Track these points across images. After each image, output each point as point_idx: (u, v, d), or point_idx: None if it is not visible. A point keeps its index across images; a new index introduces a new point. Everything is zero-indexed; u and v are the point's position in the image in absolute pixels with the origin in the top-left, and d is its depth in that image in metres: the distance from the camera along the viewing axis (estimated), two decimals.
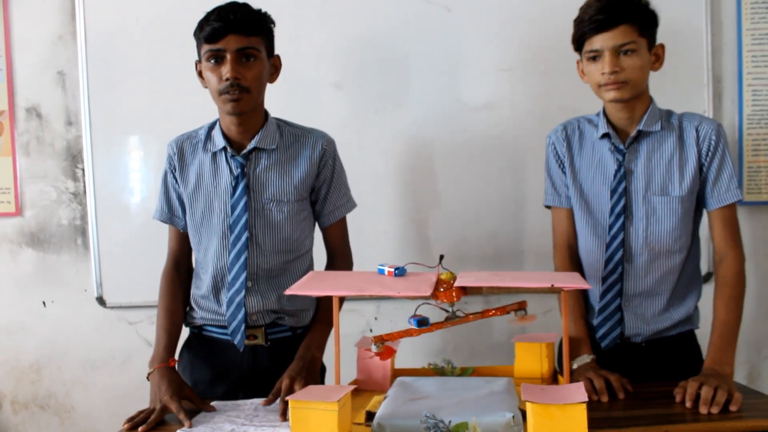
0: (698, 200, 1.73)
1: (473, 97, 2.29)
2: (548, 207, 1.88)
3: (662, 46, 1.70)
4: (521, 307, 1.41)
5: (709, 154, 1.68)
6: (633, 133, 1.71)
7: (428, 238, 2.32)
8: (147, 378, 1.64)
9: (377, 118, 2.29)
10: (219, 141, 1.72)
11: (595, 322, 1.75)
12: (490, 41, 2.28)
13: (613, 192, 1.72)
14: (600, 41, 1.61)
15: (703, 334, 1.69)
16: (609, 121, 1.73)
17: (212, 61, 1.62)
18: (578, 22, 1.67)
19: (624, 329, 1.73)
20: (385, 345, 1.40)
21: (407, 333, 1.41)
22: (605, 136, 1.73)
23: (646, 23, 1.64)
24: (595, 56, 1.64)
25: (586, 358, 1.66)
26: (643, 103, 1.70)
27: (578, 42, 1.68)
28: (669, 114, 1.74)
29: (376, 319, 2.37)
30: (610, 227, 1.72)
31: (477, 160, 2.29)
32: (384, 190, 2.30)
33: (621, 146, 1.72)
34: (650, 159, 1.71)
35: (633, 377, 1.61)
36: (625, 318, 1.73)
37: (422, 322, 1.39)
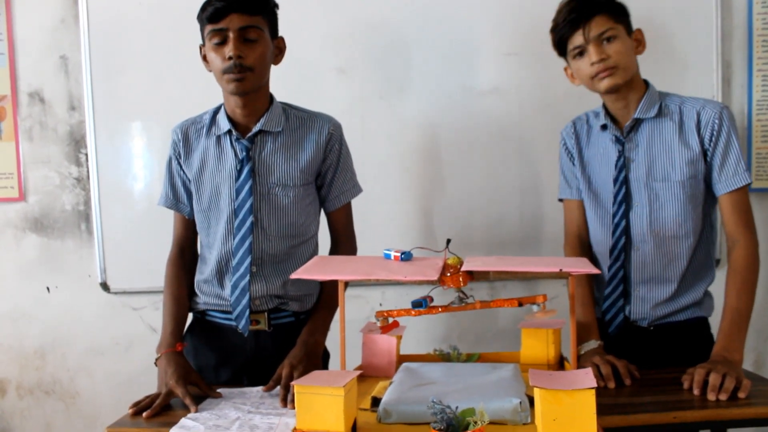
0: (708, 186, 1.72)
1: (479, 83, 2.27)
2: (561, 200, 1.91)
3: (640, 31, 1.73)
4: (536, 301, 1.36)
5: (713, 138, 1.67)
6: (629, 121, 1.72)
7: (433, 224, 2.31)
8: (155, 363, 1.64)
9: (382, 104, 2.28)
10: (224, 124, 1.70)
11: (603, 308, 1.76)
12: (497, 26, 2.25)
13: (615, 181, 1.74)
14: (580, 36, 1.65)
15: (717, 323, 1.67)
16: (608, 113, 1.76)
17: (215, 41, 1.61)
18: (555, 28, 1.72)
19: (630, 314, 1.74)
20: (388, 319, 1.38)
21: (414, 312, 1.38)
22: (604, 127, 1.76)
23: (618, 11, 1.67)
24: (581, 51, 1.68)
25: (593, 344, 1.66)
26: (637, 90, 1.72)
27: (560, 46, 1.72)
28: (668, 98, 1.74)
29: (381, 304, 2.36)
30: (614, 215, 1.74)
31: (482, 145, 2.27)
32: (388, 176, 2.28)
33: (620, 136, 1.74)
34: (650, 146, 1.72)
35: (641, 362, 1.61)
36: (632, 303, 1.74)
37: (417, 304, 1.36)
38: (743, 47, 2.29)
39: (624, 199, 1.73)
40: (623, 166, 1.73)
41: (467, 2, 2.25)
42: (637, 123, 1.72)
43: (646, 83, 1.74)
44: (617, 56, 1.64)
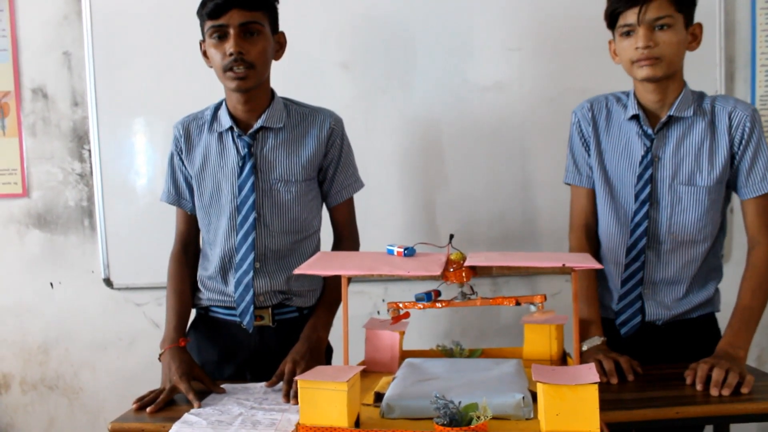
0: (727, 188, 1.69)
1: (481, 77, 2.26)
2: (567, 184, 1.84)
3: (700, 26, 1.63)
4: (533, 300, 1.35)
5: (743, 142, 1.63)
6: (663, 117, 1.65)
7: (435, 220, 2.30)
8: (158, 359, 1.64)
9: (384, 99, 2.27)
10: (225, 121, 1.70)
11: (616, 308, 1.73)
12: (499, 20, 2.24)
13: (639, 178, 1.67)
14: (634, 15, 1.55)
15: (725, 318, 1.67)
16: (639, 103, 1.67)
17: (216, 37, 1.60)
18: None
19: (644, 316, 1.71)
20: (399, 312, 1.38)
21: (421, 306, 1.39)
22: (634, 117, 1.68)
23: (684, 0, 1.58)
24: (629, 31, 1.59)
25: (596, 340, 1.65)
26: (676, 85, 1.64)
27: (611, 17, 1.62)
28: (701, 97, 1.68)
29: (383, 300, 2.36)
30: (635, 214, 1.68)
31: (485, 140, 2.27)
32: (391, 171, 2.28)
33: (650, 131, 1.67)
34: (679, 146, 1.66)
35: (652, 359, 1.60)
36: (645, 305, 1.71)
37: (419, 298, 1.36)
38: (747, 42, 2.28)
39: (647, 199, 1.67)
40: (650, 163, 1.66)
41: None
42: (670, 120, 1.66)
43: (683, 80, 1.67)
44: (665, 47, 1.56)
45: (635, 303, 1.71)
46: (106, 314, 2.40)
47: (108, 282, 2.36)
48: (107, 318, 2.40)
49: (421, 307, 1.36)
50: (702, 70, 2.24)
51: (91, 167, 2.35)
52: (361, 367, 1.25)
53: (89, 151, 2.35)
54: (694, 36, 1.63)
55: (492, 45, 2.25)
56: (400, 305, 1.38)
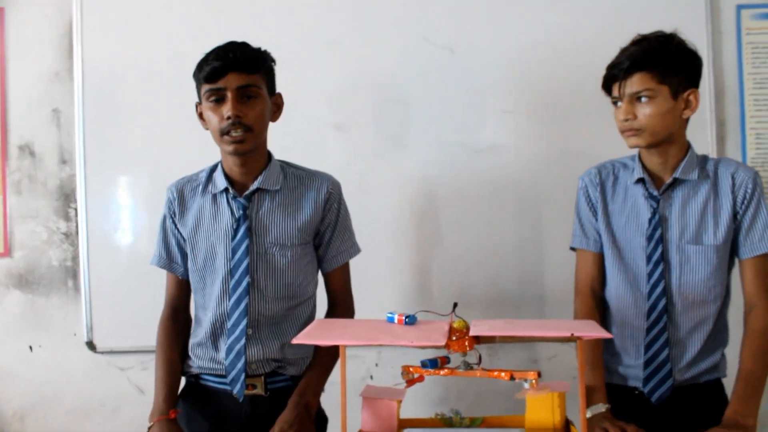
0: (731, 248, 1.69)
1: (476, 140, 2.26)
2: (573, 249, 1.84)
3: (695, 92, 1.65)
4: (527, 377, 1.29)
5: (745, 201, 1.65)
6: (668, 180, 1.68)
7: (431, 284, 2.26)
8: None
9: (379, 161, 2.26)
10: (221, 182, 1.67)
11: (643, 375, 1.69)
12: (494, 83, 2.26)
13: (649, 239, 1.68)
14: (617, 88, 1.63)
15: (730, 383, 1.64)
16: (644, 167, 1.71)
17: (213, 100, 1.59)
18: (607, 68, 1.67)
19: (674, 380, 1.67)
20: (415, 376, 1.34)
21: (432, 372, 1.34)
22: (640, 181, 1.71)
23: (669, 70, 1.60)
24: (616, 101, 1.65)
25: (600, 407, 1.60)
26: (679, 149, 1.68)
27: (606, 87, 1.69)
28: (705, 160, 1.71)
29: (377, 365, 2.30)
30: (649, 275, 1.68)
31: (480, 203, 2.25)
32: (385, 234, 2.24)
33: (655, 192, 1.69)
34: (685, 207, 1.68)
35: (656, 427, 1.56)
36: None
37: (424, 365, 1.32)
38: (736, 106, 2.32)
39: (660, 259, 1.66)
40: (658, 223, 1.68)
41: (465, 60, 2.25)
42: (675, 182, 1.68)
43: (688, 143, 1.70)
44: (645, 119, 1.60)
45: (665, 365, 1.67)
46: (88, 379, 2.31)
47: (91, 345, 2.28)
48: (89, 383, 2.31)
49: (431, 372, 1.32)
50: (694, 132, 2.23)
51: (77, 226, 2.30)
52: None
53: (75, 209, 2.30)
54: (687, 102, 1.64)
55: (487, 108, 2.26)
56: (412, 369, 1.34)
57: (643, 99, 1.60)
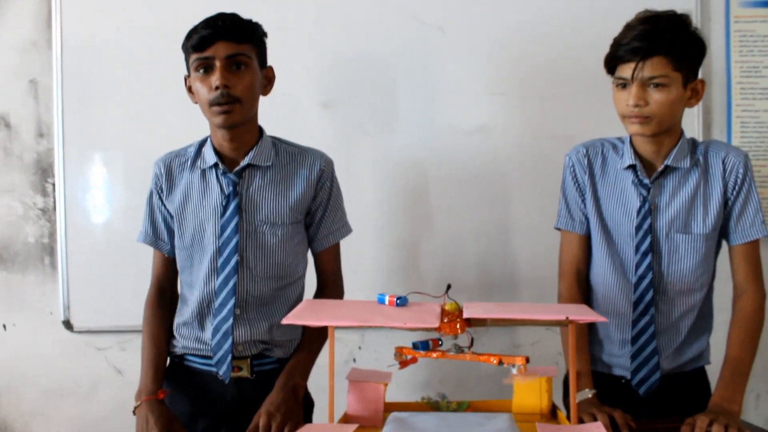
0: (719, 234, 1.68)
1: (465, 121, 2.24)
2: (558, 229, 1.79)
3: (702, 82, 1.60)
4: (515, 362, 1.28)
5: (736, 187, 1.63)
6: (660, 167, 1.64)
7: (419, 265, 2.24)
8: (133, 412, 1.54)
9: (366, 141, 2.23)
10: (210, 157, 1.63)
11: (631, 366, 1.69)
12: (484, 64, 2.23)
13: (638, 228, 1.65)
14: (630, 70, 1.52)
15: (714, 370, 1.65)
16: (636, 152, 1.66)
17: (201, 70, 1.55)
18: (614, 45, 1.58)
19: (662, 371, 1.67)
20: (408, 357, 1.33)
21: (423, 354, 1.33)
22: (631, 167, 1.66)
23: (685, 57, 1.53)
24: (624, 84, 1.57)
25: (587, 393, 1.60)
26: (672, 137, 1.63)
27: (610, 65, 1.60)
28: (694, 144, 1.68)
29: (360, 348, 2.28)
30: (637, 266, 1.65)
31: (469, 184, 2.23)
32: (372, 215, 2.22)
33: (646, 180, 1.65)
34: (675, 195, 1.64)
35: (642, 414, 1.56)
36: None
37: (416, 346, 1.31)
38: (722, 94, 2.32)
39: (649, 250, 1.64)
40: (648, 213, 1.64)
41: (455, 40, 2.23)
42: (666, 170, 1.64)
43: (681, 130, 1.65)
44: (656, 107, 1.53)
45: (653, 357, 1.66)
46: (64, 359, 2.25)
47: (67, 324, 2.22)
48: (65, 363, 2.25)
49: (422, 354, 1.31)
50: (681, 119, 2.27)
51: (54, 202, 2.23)
52: (354, 426, 1.18)
53: (53, 184, 2.24)
54: (695, 92, 1.59)
55: (476, 89, 2.24)
56: (405, 351, 1.32)
57: (657, 85, 1.52)
